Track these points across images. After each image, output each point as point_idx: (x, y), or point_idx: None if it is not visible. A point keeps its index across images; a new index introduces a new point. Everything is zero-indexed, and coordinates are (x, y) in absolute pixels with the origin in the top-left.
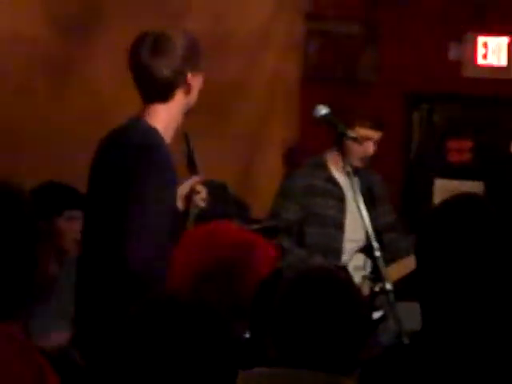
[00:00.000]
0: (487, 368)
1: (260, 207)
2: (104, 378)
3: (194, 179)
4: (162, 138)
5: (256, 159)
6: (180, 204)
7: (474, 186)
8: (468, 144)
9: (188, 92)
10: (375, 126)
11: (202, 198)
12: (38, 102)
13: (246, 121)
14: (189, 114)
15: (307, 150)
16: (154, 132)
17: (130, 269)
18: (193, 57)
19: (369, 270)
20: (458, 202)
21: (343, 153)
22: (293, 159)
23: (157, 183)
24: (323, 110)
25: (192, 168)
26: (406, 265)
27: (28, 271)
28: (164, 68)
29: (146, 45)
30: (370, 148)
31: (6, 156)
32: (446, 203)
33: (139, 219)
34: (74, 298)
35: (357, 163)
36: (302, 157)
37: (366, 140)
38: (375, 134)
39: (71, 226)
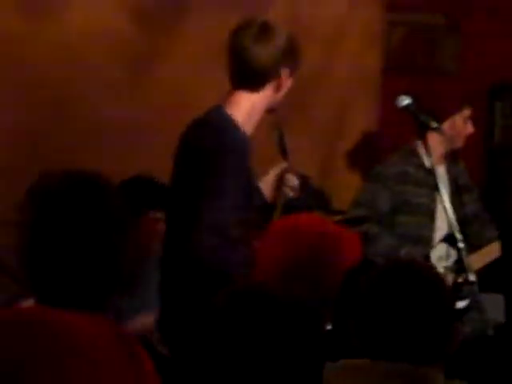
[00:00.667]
0: None
1: (340, 198)
2: (188, 369)
3: (283, 167)
4: (237, 127)
5: (336, 150)
6: (267, 192)
7: None
8: None
9: (278, 87)
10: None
11: (291, 187)
12: (120, 96)
13: (325, 111)
14: (271, 112)
15: (387, 141)
16: (230, 120)
17: (197, 257)
18: (291, 53)
19: (452, 260)
20: None
21: (426, 143)
22: (373, 149)
23: (228, 171)
24: (406, 100)
25: (284, 157)
26: (488, 253)
27: (116, 262)
28: (263, 55)
29: (250, 29)
30: (471, 127)
31: (88, 149)
32: None
33: (209, 209)
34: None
35: (459, 144)
36: (383, 147)
37: (467, 120)
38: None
39: (154, 227)
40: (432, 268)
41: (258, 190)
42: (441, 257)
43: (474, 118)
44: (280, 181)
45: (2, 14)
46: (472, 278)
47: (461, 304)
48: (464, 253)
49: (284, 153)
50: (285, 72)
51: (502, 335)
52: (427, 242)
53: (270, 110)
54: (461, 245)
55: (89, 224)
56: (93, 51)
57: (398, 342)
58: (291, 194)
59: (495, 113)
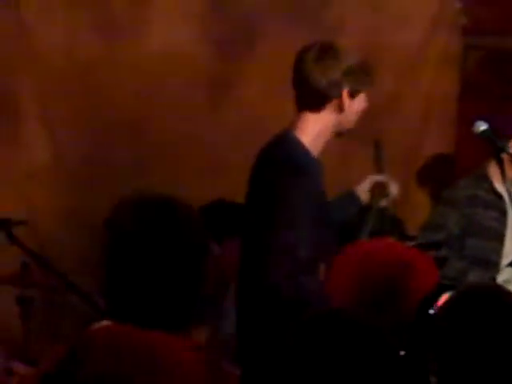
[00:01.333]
0: None
1: (415, 223)
2: None
3: (379, 177)
4: (306, 152)
5: (411, 175)
6: (364, 197)
7: None
8: None
9: (340, 108)
10: None
11: (387, 196)
12: (197, 119)
13: (401, 136)
14: (343, 135)
15: (462, 165)
16: (298, 143)
17: (273, 282)
18: (356, 74)
19: None
20: None
21: (502, 168)
22: (448, 174)
23: (301, 195)
24: (482, 126)
25: (380, 171)
26: None
27: (195, 287)
28: (321, 76)
29: (311, 51)
30: None
31: (166, 171)
32: None
33: (281, 235)
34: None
35: None
36: (457, 172)
37: None
38: None
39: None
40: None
41: (348, 199)
42: (507, 280)
43: None
44: (375, 189)
45: (81, 38)
46: None
47: None
48: None
49: (381, 166)
50: (347, 92)
51: None
52: (494, 266)
53: (338, 134)
54: None
55: (168, 248)
56: (170, 75)
57: (478, 368)
58: (385, 203)
59: None
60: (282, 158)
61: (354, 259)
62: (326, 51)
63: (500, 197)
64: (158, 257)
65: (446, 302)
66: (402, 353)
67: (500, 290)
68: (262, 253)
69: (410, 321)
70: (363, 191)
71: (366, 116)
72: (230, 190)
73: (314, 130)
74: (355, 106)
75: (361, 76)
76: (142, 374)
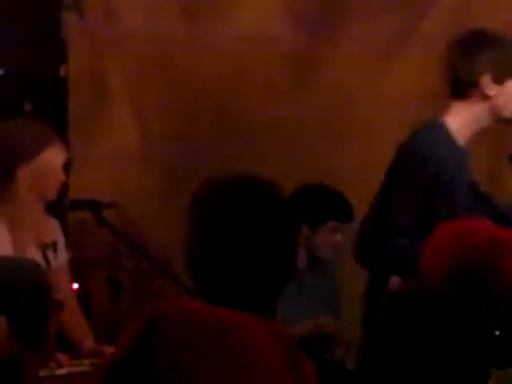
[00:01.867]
0: None
1: None
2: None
3: None
4: (449, 140)
5: (503, 155)
6: None
7: None
8: None
9: (486, 96)
10: None
11: None
12: (281, 101)
13: None
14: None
15: None
16: (440, 133)
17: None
18: (500, 61)
19: None
20: None
21: None
22: None
23: (406, 188)
24: None
25: None
26: None
27: (284, 268)
28: (462, 64)
29: (459, 39)
30: None
31: (254, 152)
32: None
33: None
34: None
35: None
36: None
37: None
38: None
39: (332, 237)
40: None
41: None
42: None
43: None
44: None
45: (167, 20)
46: None
47: None
48: None
49: None
50: (488, 80)
51: None
52: None
53: (499, 121)
54: None
55: (256, 228)
56: (257, 56)
57: None
58: None
59: None
60: (413, 142)
61: (447, 235)
62: (471, 38)
63: None
64: (245, 234)
65: None
66: (497, 332)
67: None
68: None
69: (504, 301)
70: None
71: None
72: (319, 172)
73: (461, 119)
74: (506, 92)
75: (507, 62)
76: (220, 355)
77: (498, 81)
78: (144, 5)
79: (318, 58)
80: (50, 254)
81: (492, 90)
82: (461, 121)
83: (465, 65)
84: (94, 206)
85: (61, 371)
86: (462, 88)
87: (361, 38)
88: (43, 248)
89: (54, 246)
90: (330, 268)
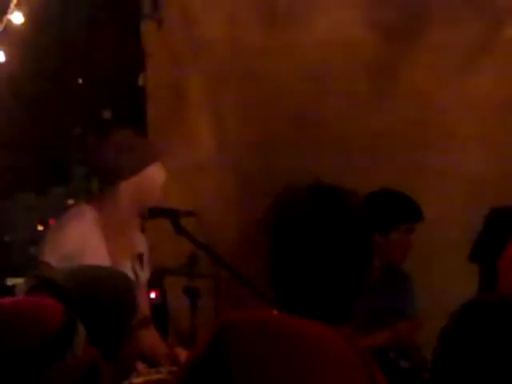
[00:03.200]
0: None
1: None
2: None
3: None
4: None
5: None
6: None
7: None
8: None
9: None
10: None
11: None
12: (359, 106)
13: None
14: None
15: None
16: None
17: None
18: None
19: None
20: None
21: None
22: None
23: None
24: None
25: None
26: None
27: (360, 275)
28: None
29: None
30: None
31: (332, 162)
32: None
33: None
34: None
35: None
36: None
37: None
38: None
39: (405, 239)
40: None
41: None
42: None
43: None
44: None
45: (245, 28)
46: None
47: None
48: None
49: None
50: None
51: None
52: None
53: None
54: None
55: (333, 236)
56: (335, 61)
57: None
58: None
59: None
60: None
61: None
62: None
63: None
64: (321, 244)
65: None
66: None
67: None
68: None
69: None
70: None
71: None
72: (397, 178)
73: None
74: None
75: None
76: (295, 365)
77: None
78: (222, 13)
79: (398, 66)
80: (137, 266)
81: None
82: None
83: None
84: (173, 214)
85: (138, 379)
86: None
87: (441, 45)
88: (132, 260)
89: (141, 258)
90: (403, 270)
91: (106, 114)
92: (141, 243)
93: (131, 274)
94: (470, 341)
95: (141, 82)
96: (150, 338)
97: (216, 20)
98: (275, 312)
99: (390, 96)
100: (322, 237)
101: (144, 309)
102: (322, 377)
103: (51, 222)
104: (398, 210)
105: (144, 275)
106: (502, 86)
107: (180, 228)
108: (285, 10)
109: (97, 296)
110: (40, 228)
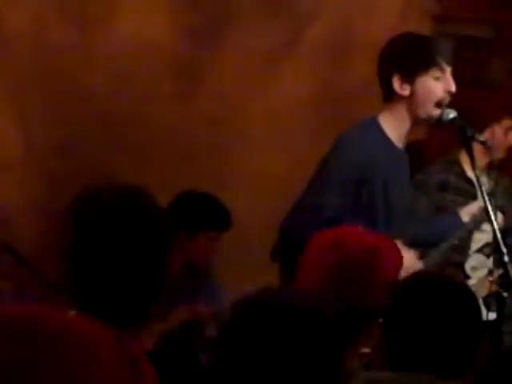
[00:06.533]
0: None
1: None
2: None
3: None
4: (381, 138)
5: None
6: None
7: None
8: None
9: (401, 96)
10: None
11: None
12: (165, 108)
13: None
14: (425, 123)
15: (433, 153)
16: (371, 130)
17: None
18: (406, 60)
19: (487, 270)
20: None
21: (472, 155)
22: (419, 160)
23: (332, 175)
24: (451, 114)
25: None
26: None
27: (155, 282)
28: (379, 64)
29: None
30: None
31: (133, 162)
32: None
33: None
34: None
35: (502, 155)
36: (429, 158)
37: (509, 131)
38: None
39: (211, 244)
40: (460, 281)
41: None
42: (475, 267)
43: None
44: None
45: (50, 24)
46: None
47: (491, 316)
48: (510, 265)
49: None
50: (398, 79)
51: None
52: (463, 251)
53: (418, 122)
54: (506, 258)
55: (128, 238)
56: (142, 63)
57: (426, 355)
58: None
59: None
60: (340, 139)
61: (324, 242)
62: (388, 41)
63: (470, 182)
64: (117, 247)
65: (394, 291)
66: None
67: (447, 278)
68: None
69: (376, 308)
70: (467, 213)
71: (339, 103)
72: (199, 179)
73: (391, 119)
74: (419, 90)
75: (413, 60)
76: (43, 361)
77: (408, 80)
78: (27, 12)
79: (202, 68)
80: None
81: (405, 90)
82: (389, 122)
83: (379, 67)
84: None
85: None
86: (384, 90)
87: (245, 47)
88: None
89: None
90: (209, 275)
91: None
92: None
93: None
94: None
95: None
96: None
97: (21, 18)
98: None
99: (194, 98)
100: (117, 238)
101: None
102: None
103: None
104: (208, 216)
105: None
106: (303, 89)
107: None
108: (92, 10)
109: None
110: None
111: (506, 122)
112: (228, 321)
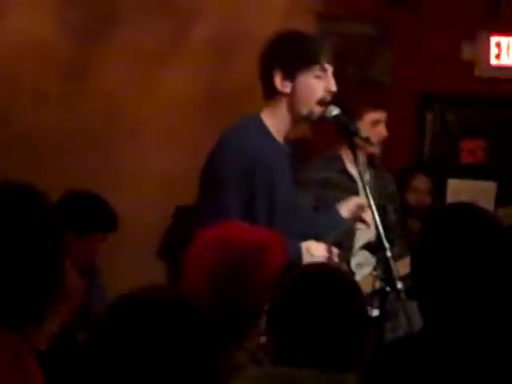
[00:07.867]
0: (487, 366)
1: None
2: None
3: (363, 202)
4: (263, 134)
5: None
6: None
7: (486, 186)
8: (481, 144)
9: (282, 94)
10: (380, 107)
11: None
12: (50, 106)
13: None
14: (307, 120)
15: (316, 150)
16: (253, 127)
17: None
18: (284, 57)
19: (372, 268)
20: (456, 208)
21: (355, 152)
22: (304, 157)
23: (215, 179)
24: (334, 111)
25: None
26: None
27: (47, 282)
28: (260, 62)
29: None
30: (383, 130)
31: (21, 160)
32: (445, 210)
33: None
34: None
35: (375, 150)
36: (312, 156)
37: (377, 124)
38: (383, 116)
39: (95, 246)
40: (344, 275)
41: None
42: (360, 264)
43: (404, 127)
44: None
45: None
46: (400, 285)
47: (375, 312)
48: (392, 261)
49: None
50: (277, 77)
51: (417, 340)
52: (347, 249)
53: (299, 119)
54: (388, 253)
55: (21, 235)
56: (27, 63)
57: (313, 350)
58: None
59: (426, 122)
60: (224, 135)
61: (208, 239)
62: (271, 39)
63: (352, 179)
64: (5, 245)
65: (280, 285)
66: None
67: (332, 271)
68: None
69: (258, 306)
70: (346, 210)
71: (224, 101)
72: (88, 178)
73: (273, 116)
74: (299, 88)
75: (294, 57)
76: None
77: (289, 77)
78: None
79: (85, 64)
80: None
81: (286, 87)
82: (271, 119)
83: (261, 64)
84: None
85: None
86: (264, 87)
87: (132, 45)
88: None
89: None
90: (95, 275)
91: None
92: None
93: None
94: None
95: None
96: None
97: None
98: None
99: (81, 96)
100: (6, 237)
101: None
102: None
103: None
104: (95, 218)
105: None
106: (190, 86)
107: None
108: None
109: None
110: None
111: (372, 115)
112: (100, 319)
